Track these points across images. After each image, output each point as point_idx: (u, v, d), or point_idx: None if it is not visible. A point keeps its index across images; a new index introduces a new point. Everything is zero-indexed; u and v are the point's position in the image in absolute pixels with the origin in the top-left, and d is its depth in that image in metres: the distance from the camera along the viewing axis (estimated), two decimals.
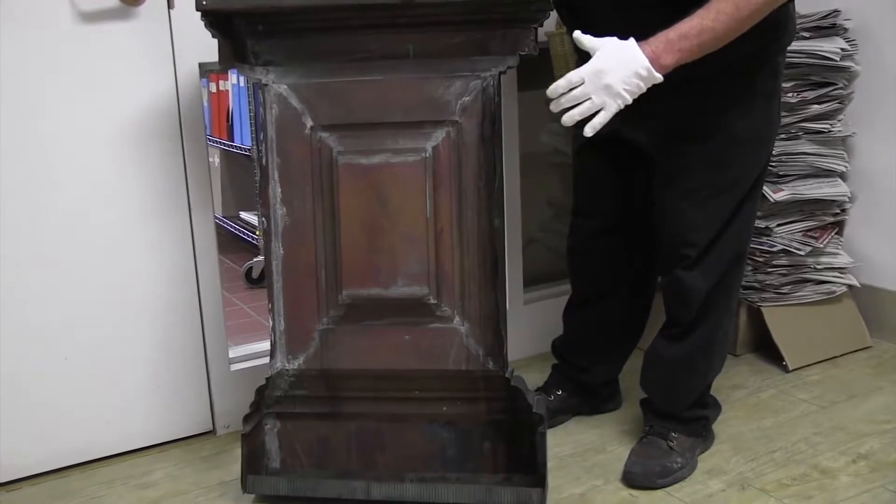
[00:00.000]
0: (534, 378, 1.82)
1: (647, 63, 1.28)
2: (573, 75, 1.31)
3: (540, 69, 1.75)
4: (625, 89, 1.29)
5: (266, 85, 1.46)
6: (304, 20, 1.43)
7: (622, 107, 1.31)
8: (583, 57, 1.62)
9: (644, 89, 1.30)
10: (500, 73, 1.41)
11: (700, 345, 1.58)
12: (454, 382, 1.49)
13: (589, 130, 1.31)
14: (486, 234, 1.45)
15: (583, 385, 1.79)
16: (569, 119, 1.32)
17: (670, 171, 1.51)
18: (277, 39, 1.45)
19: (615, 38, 1.31)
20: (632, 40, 1.30)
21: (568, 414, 1.80)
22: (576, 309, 1.77)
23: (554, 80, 2.01)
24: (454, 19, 1.40)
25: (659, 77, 1.30)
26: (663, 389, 1.64)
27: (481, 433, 1.52)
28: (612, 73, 1.29)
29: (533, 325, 2.08)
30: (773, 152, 1.96)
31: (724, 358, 1.66)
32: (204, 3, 1.38)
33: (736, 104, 1.44)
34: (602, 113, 1.31)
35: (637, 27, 1.35)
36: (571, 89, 1.31)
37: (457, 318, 1.48)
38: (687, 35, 1.28)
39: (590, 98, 1.30)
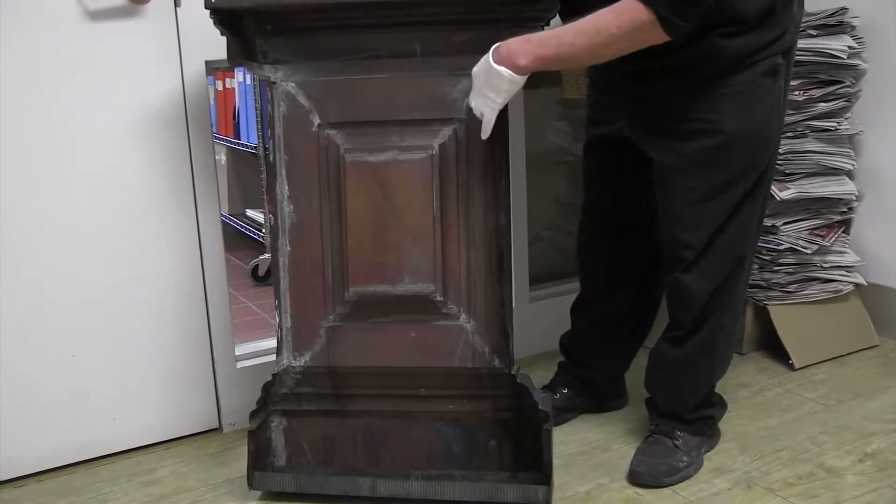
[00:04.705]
0: (540, 376, 1.81)
1: (490, 61, 1.32)
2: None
3: None
4: (487, 90, 1.34)
5: (274, 83, 1.47)
6: (312, 19, 1.43)
7: (497, 107, 1.34)
8: None
9: (504, 85, 1.32)
10: None
11: (702, 347, 1.57)
12: (460, 380, 1.49)
13: (483, 135, 1.37)
14: (493, 232, 1.45)
15: (588, 382, 1.79)
16: (482, 134, 1.38)
17: (666, 171, 1.50)
18: (286, 38, 1.45)
19: None
20: (495, 45, 1.34)
21: (573, 412, 1.80)
22: (583, 305, 1.77)
23: (559, 78, 2.02)
24: (461, 18, 1.41)
25: (506, 72, 1.31)
26: (667, 391, 1.64)
27: (487, 431, 1.52)
28: (476, 77, 1.36)
29: (538, 324, 2.08)
30: (780, 150, 1.95)
31: (730, 359, 1.66)
32: (213, 1, 1.39)
33: (731, 105, 1.42)
34: (485, 117, 1.36)
35: None
36: None
37: (463, 316, 1.48)
38: (546, 43, 1.31)
39: (473, 104, 1.37)
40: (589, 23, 1.29)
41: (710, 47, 1.36)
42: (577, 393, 1.79)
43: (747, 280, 1.61)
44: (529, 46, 1.31)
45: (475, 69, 1.36)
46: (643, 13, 1.25)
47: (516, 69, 1.31)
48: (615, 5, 1.28)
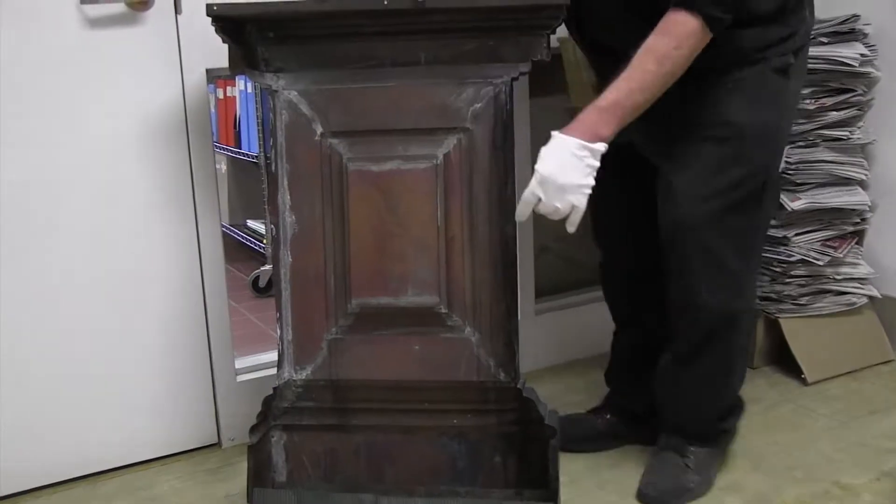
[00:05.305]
0: (546, 390, 1.78)
1: (577, 141, 1.29)
2: (527, 195, 1.32)
3: (552, 75, 1.73)
4: (578, 178, 1.29)
5: (276, 91, 1.45)
6: (315, 27, 1.42)
7: (589, 192, 1.30)
8: (595, 63, 1.60)
9: (596, 162, 1.30)
10: (513, 79, 1.40)
11: (712, 363, 1.52)
12: (465, 394, 1.47)
13: (570, 228, 1.32)
14: (498, 243, 1.43)
15: (628, 412, 1.72)
16: (570, 228, 1.32)
17: (668, 177, 1.46)
18: (288, 46, 1.44)
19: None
20: (554, 133, 1.31)
21: (619, 440, 1.72)
22: (615, 332, 1.74)
23: (566, 86, 2.00)
24: (466, 26, 1.39)
25: (601, 147, 1.29)
26: (675, 408, 1.60)
27: (492, 446, 1.49)
28: (556, 173, 1.29)
29: (545, 336, 2.06)
30: (791, 160, 1.93)
31: (743, 375, 1.61)
32: (215, 8, 1.38)
33: (735, 105, 1.39)
34: (576, 211, 1.30)
35: (641, 41, 1.32)
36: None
37: (468, 328, 1.45)
38: (618, 101, 1.30)
39: (556, 206, 1.30)
40: (645, 59, 1.28)
41: (722, 39, 1.33)
42: (620, 420, 1.72)
43: (756, 292, 1.57)
44: (604, 114, 1.29)
45: (548, 169, 1.29)
46: (691, 21, 1.26)
47: (602, 139, 1.30)
48: (659, 29, 1.27)
